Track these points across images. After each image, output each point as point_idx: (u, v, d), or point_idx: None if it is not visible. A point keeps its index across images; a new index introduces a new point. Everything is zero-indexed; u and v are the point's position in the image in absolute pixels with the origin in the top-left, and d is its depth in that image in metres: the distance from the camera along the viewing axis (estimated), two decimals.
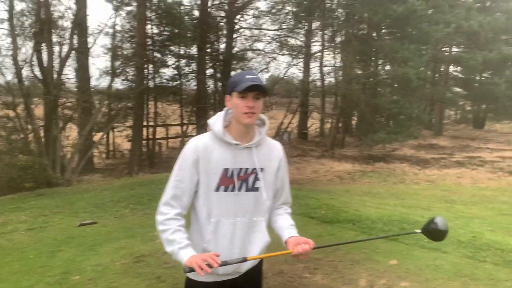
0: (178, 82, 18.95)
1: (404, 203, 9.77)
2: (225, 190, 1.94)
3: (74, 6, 12.12)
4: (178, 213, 1.94)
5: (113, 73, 13.21)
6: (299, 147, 21.55)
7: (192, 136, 18.78)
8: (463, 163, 16.57)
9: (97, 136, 14.07)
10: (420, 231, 2.09)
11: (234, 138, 1.96)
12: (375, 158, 17.81)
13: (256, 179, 1.99)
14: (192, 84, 18.77)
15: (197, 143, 1.96)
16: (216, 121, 2.00)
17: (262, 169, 2.00)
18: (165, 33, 17.67)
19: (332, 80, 24.56)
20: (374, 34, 21.49)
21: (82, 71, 12.99)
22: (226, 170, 1.93)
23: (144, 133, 17.17)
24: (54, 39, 12.15)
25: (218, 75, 20.12)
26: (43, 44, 10.74)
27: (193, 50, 18.38)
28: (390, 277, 4.19)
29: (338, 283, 4.06)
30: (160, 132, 19.69)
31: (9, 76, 10.85)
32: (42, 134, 11.39)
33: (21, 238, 5.88)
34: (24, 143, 11.03)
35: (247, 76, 1.90)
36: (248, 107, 1.87)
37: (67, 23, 12.35)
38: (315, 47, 23.87)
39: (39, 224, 6.62)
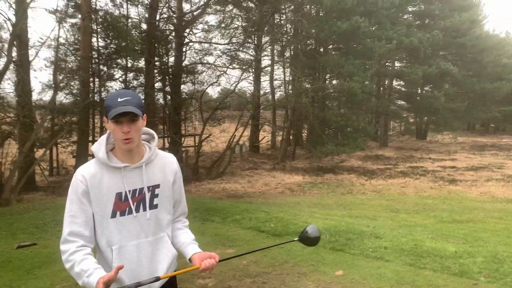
0: None
1: (351, 213, 10.02)
2: (122, 214, 1.89)
3: (13, 17, 11.60)
4: (79, 245, 1.84)
5: (56, 86, 12.71)
6: (250, 160, 21.65)
7: None
8: (407, 173, 17.29)
9: (39, 153, 13.42)
10: (297, 239, 2.31)
11: (122, 160, 1.90)
12: (325, 169, 18.20)
13: (154, 196, 1.96)
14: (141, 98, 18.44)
15: (83, 173, 1.87)
16: (99, 146, 1.91)
17: (158, 185, 1.97)
18: (111, 46, 17.31)
19: (282, 93, 25.02)
20: (321, 49, 22.19)
21: (23, 85, 12.40)
22: (119, 194, 1.88)
23: (90, 148, 16.61)
24: None
25: (168, 88, 19.90)
26: None
27: (141, 63, 18.11)
28: None
29: None
30: None
31: None
32: None
33: None
34: None
35: (119, 99, 1.81)
36: (123, 133, 1.81)
37: (6, 35, 11.81)
38: (265, 61, 24.32)
39: None
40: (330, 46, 21.72)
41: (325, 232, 6.41)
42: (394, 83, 30.77)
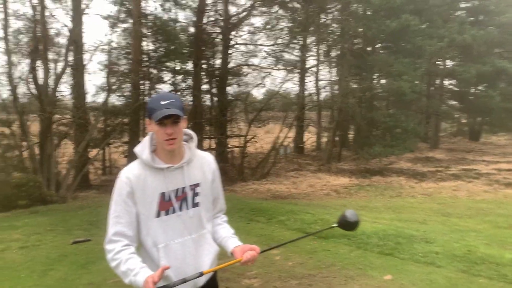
0: None
1: (401, 217, 9.72)
2: (166, 213, 1.97)
3: (70, 24, 12.21)
4: (124, 245, 1.91)
5: (108, 89, 13.23)
6: (295, 161, 21.53)
7: None
8: (459, 176, 16.55)
9: (92, 153, 14.04)
10: (336, 225, 2.31)
11: (164, 161, 1.97)
12: (372, 171, 17.79)
13: (195, 194, 2.04)
14: (188, 100, 18.82)
15: (128, 175, 1.94)
16: (143, 148, 1.98)
17: (198, 184, 2.05)
18: (161, 49, 17.78)
19: (328, 94, 24.72)
20: (369, 49, 21.71)
21: (78, 88, 13.03)
22: (162, 194, 1.95)
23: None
24: (51, 56, 12.28)
25: (214, 90, 20.19)
26: (39, 62, 10.80)
27: (189, 66, 18.48)
28: None
29: None
30: None
31: (5, 94, 10.90)
32: (37, 151, 11.36)
33: (13, 257, 5.82)
34: (19, 160, 11.00)
35: (162, 102, 1.87)
36: (167, 134, 1.87)
37: (63, 40, 12.45)
38: (311, 62, 24.10)
39: (32, 242, 6.56)
40: (378, 45, 21.20)
41: (373, 236, 6.27)
42: (446, 82, 29.53)
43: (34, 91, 11.01)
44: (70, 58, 11.58)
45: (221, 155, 19.21)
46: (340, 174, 17.43)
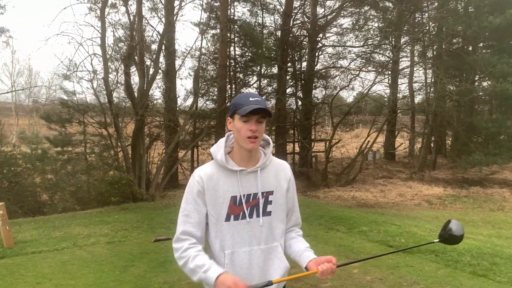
0: None
1: (501, 233, 8.72)
2: (236, 219, 1.87)
3: (162, 31, 12.86)
4: (192, 243, 1.85)
5: (196, 93, 13.72)
6: (384, 167, 20.51)
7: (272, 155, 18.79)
8: None
9: (181, 154, 14.66)
10: (438, 240, 2.01)
11: (238, 164, 1.89)
12: (470, 182, 16.28)
13: (268, 202, 1.91)
14: (273, 103, 18.88)
15: (200, 174, 1.89)
16: (218, 149, 1.92)
17: (272, 192, 1.92)
18: (247, 54, 18.06)
19: (423, 97, 23.22)
20: (469, 48, 19.97)
21: (169, 92, 13.69)
22: (234, 198, 1.86)
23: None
24: (147, 62, 13.10)
25: (300, 94, 20.00)
26: (133, 68, 11.58)
27: (275, 69, 18.52)
28: None
29: None
30: None
31: (104, 98, 11.80)
32: (130, 151, 12.13)
33: (100, 251, 6.19)
34: (114, 159, 11.83)
35: (251, 99, 1.82)
36: (251, 130, 1.80)
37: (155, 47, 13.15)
38: (403, 63, 22.83)
39: (119, 238, 6.94)
40: (480, 44, 19.40)
41: (465, 253, 5.65)
42: None
43: (128, 95, 11.80)
44: (161, 63, 12.19)
45: (305, 159, 18.96)
46: (434, 183, 16.20)
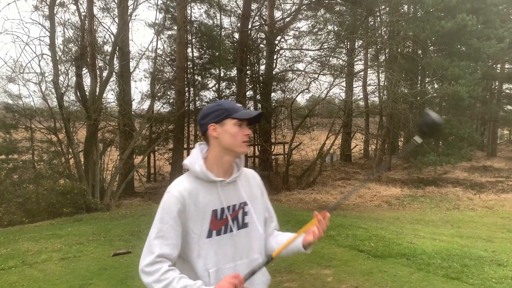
0: None
1: (461, 232, 8.90)
2: (218, 234, 1.74)
3: (115, 31, 12.29)
4: (171, 265, 1.67)
5: (153, 96, 13.20)
6: (342, 169, 20.77)
7: None
8: None
9: (137, 160, 14.06)
10: (421, 140, 1.88)
11: (216, 175, 1.75)
12: (425, 181, 16.77)
13: (244, 213, 1.81)
14: None
15: (180, 190, 1.70)
16: (194, 160, 1.76)
17: (246, 202, 1.83)
18: (205, 56, 17.71)
19: (376, 99, 23.79)
20: (420, 52, 20.65)
21: (124, 95, 13.10)
22: (215, 211, 1.73)
23: (185, 155, 17.10)
24: (100, 63, 12.43)
25: (258, 96, 19.87)
26: (85, 69, 10.92)
27: (233, 72, 18.28)
28: None
29: None
30: None
31: (52, 102, 11.07)
32: (82, 158, 11.45)
33: (53, 268, 5.67)
34: (65, 167, 11.11)
35: (238, 105, 1.79)
36: (247, 135, 1.76)
37: (108, 48, 12.55)
38: (358, 66, 23.29)
39: (73, 253, 6.42)
40: (431, 48, 20.10)
41: (435, 256, 5.63)
42: (504, 86, 27.74)
43: (79, 98, 11.13)
44: (115, 65, 11.61)
45: (266, 163, 18.82)
46: (391, 184, 16.53)
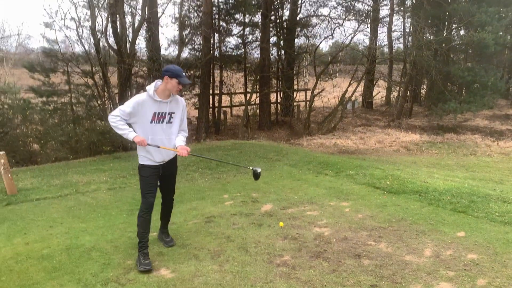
0: (242, 50, 19.06)
1: (475, 175, 9.36)
2: (154, 122, 3.79)
3: None
4: (123, 120, 3.73)
5: (181, 42, 13.52)
6: (363, 116, 21.09)
7: (255, 104, 19.02)
8: None
9: None
10: (251, 168, 4.42)
11: (159, 97, 3.75)
12: (445, 128, 17.04)
13: (171, 118, 3.88)
14: (256, 53, 18.77)
15: (140, 97, 3.74)
16: (150, 88, 3.76)
17: (174, 113, 3.88)
18: (230, 1, 17.70)
19: (401, 46, 23.50)
20: None
21: (153, 41, 13.47)
22: (155, 113, 3.77)
23: (211, 100, 17.64)
24: (126, 9, 12.70)
25: (282, 43, 19.93)
26: (117, 16, 11.25)
27: (257, 18, 18.29)
28: (457, 249, 4.17)
29: (402, 252, 4.11)
30: (225, 100, 20.08)
31: (87, 46, 11.54)
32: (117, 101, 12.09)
33: (103, 196, 6.45)
34: (102, 109, 11.80)
35: (183, 73, 3.77)
36: (179, 89, 3.77)
37: None
38: (384, 12, 22.87)
39: (119, 184, 7.18)
40: None
41: (446, 193, 6.17)
42: None
43: (113, 44, 11.58)
44: (146, 12, 11.91)
45: (288, 109, 19.24)
46: (411, 130, 16.89)
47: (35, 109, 11.62)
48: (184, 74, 3.71)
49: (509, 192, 6.79)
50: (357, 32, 18.44)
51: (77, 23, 10.61)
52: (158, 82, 3.73)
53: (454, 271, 3.68)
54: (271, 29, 18.92)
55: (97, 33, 10.43)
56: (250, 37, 19.58)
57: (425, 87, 23.29)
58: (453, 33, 18.47)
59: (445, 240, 4.41)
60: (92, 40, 10.80)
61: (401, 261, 3.91)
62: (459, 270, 3.71)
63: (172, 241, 4.36)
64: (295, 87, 21.07)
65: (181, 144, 3.86)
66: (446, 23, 19.42)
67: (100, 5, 11.58)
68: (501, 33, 16.41)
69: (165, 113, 3.77)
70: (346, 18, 19.62)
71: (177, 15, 15.91)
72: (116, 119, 3.64)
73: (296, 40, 20.64)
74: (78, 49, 12.73)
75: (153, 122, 3.73)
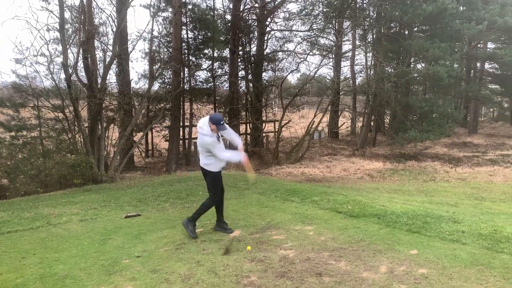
0: (212, 84, 19.56)
1: (432, 199, 9.93)
2: (219, 141, 5.50)
3: (115, 14, 12.87)
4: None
5: (152, 76, 13.90)
6: (329, 145, 21.79)
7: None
8: (496, 161, 16.39)
9: (137, 136, 14.86)
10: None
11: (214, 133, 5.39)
12: (407, 156, 17.85)
13: (220, 139, 5.57)
14: (225, 86, 19.35)
15: (213, 139, 5.42)
16: (208, 128, 5.38)
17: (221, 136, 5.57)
18: (199, 37, 18.33)
19: (363, 78, 24.67)
20: (406, 33, 21.45)
21: (123, 76, 13.77)
22: (218, 137, 5.45)
23: (181, 132, 17.91)
24: (97, 43, 12.99)
25: (250, 76, 20.62)
26: (88, 52, 11.55)
27: (226, 53, 18.94)
28: (409, 265, 4.54)
29: (360, 269, 4.45)
30: (195, 132, 20.37)
31: (57, 81, 11.70)
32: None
33: (75, 227, 6.55)
34: (72, 143, 11.90)
35: (222, 121, 5.38)
36: (216, 131, 5.38)
37: (108, 29, 13.14)
38: (346, 46, 24.08)
39: (90, 216, 7.30)
40: (415, 29, 20.94)
41: (402, 215, 6.60)
42: (486, 66, 28.73)
43: (84, 79, 11.82)
44: (117, 48, 12.27)
45: (257, 140, 19.72)
46: (374, 158, 17.60)
47: (3, 144, 11.60)
48: (222, 121, 5.36)
49: (461, 213, 7.32)
50: (320, 66, 19.35)
51: (49, 59, 10.85)
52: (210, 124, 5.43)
53: (406, 285, 4.04)
54: (239, 63, 19.59)
55: (68, 69, 10.69)
56: (219, 71, 20.22)
57: (388, 117, 24.36)
58: (411, 66, 19.64)
59: (399, 257, 4.78)
60: (63, 75, 11.04)
61: (359, 277, 4.24)
62: (410, 284, 4.07)
63: (231, 229, 6.03)
64: (264, 118, 21.67)
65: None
66: (403, 57, 20.62)
67: (71, 41, 11.86)
68: (456, 66, 17.60)
69: (219, 138, 5.53)
70: (311, 53, 20.55)
71: (147, 50, 16.34)
72: (228, 153, 5.57)
73: (264, 74, 21.43)
74: (48, 83, 12.85)
75: (219, 141, 5.58)
